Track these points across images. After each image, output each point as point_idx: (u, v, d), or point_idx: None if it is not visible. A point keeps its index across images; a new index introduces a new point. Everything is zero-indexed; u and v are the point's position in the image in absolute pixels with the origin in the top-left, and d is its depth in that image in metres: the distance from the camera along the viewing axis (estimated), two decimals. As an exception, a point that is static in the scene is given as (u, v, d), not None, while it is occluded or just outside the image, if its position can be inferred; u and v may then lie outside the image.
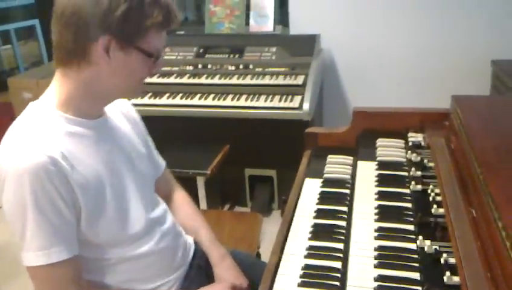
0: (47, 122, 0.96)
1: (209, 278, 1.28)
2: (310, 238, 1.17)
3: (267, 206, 2.81)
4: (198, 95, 2.52)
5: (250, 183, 2.88)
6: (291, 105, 2.40)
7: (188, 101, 2.49)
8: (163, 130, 2.28)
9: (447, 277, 0.93)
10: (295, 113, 2.38)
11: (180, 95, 2.54)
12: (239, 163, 2.76)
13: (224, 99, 2.48)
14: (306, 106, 2.37)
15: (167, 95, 2.55)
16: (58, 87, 0.98)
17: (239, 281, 1.23)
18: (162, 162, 1.34)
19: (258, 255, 1.85)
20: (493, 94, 2.56)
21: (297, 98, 2.43)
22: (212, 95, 2.51)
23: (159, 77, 2.64)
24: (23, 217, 0.92)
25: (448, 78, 2.77)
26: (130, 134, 1.16)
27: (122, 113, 1.18)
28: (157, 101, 2.52)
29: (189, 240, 1.33)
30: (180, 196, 1.39)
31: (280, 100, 2.43)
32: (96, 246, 1.04)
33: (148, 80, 2.77)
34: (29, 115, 0.98)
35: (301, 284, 1.01)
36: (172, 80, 2.61)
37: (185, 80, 2.61)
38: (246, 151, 2.65)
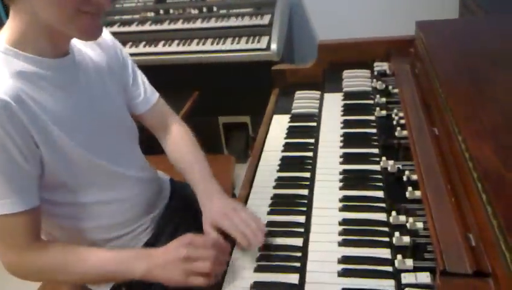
0: None
1: (185, 220, 1.26)
2: (278, 170, 1.18)
3: (243, 153, 2.81)
4: (162, 42, 2.44)
5: (224, 132, 2.86)
6: (258, 46, 2.34)
7: (152, 49, 2.41)
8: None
9: (409, 192, 0.94)
10: (263, 54, 2.32)
11: (143, 43, 2.45)
12: (212, 112, 2.72)
13: (189, 44, 2.40)
14: (274, 46, 2.32)
15: (129, 44, 2.45)
16: (10, 25, 0.92)
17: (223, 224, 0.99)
18: (151, 95, 1.25)
19: (234, 196, 1.86)
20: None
21: (265, 39, 2.37)
22: (176, 41, 2.43)
23: (119, 26, 2.54)
24: None
25: (416, 6, 2.73)
26: (103, 73, 1.08)
27: (98, 45, 1.09)
28: (119, 50, 2.43)
29: (166, 181, 1.31)
30: (177, 130, 1.27)
31: (247, 42, 2.37)
32: (69, 191, 1.00)
33: (108, 29, 2.67)
34: None
35: (270, 213, 1.02)
36: (133, 28, 2.51)
37: (146, 27, 2.51)
38: (218, 99, 2.61)
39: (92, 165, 1.01)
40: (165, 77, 2.48)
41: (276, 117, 1.47)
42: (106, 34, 1.14)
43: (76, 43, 1.04)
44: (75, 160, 0.98)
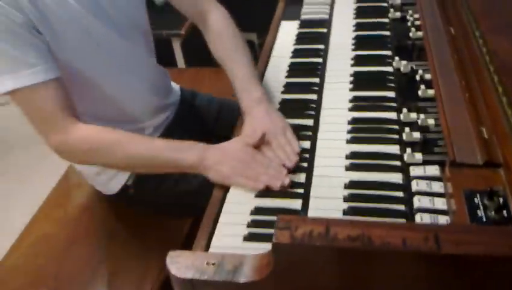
0: None
1: (193, 126, 1.25)
2: (286, 76, 1.14)
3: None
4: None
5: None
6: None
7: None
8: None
9: (421, 90, 0.91)
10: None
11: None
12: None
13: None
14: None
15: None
16: None
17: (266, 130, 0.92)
18: None
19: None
20: None
21: None
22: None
23: None
24: None
25: None
26: None
27: None
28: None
29: (176, 87, 1.30)
30: (216, 19, 1.14)
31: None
32: (74, 80, 0.97)
33: None
34: None
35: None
36: None
37: None
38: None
39: (96, 73, 0.99)
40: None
41: (284, 23, 1.40)
42: None
43: None
44: (78, 60, 0.95)
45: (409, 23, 1.14)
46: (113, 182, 1.14)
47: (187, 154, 0.90)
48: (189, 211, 1.18)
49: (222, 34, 1.13)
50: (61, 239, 1.16)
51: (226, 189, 0.85)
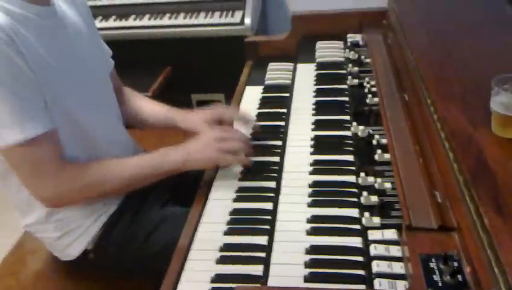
0: None
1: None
2: (250, 139, 1.16)
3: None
4: (133, 16, 2.38)
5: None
6: (232, 20, 2.31)
7: (122, 23, 2.35)
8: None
9: (378, 154, 0.95)
10: (237, 29, 2.30)
11: (113, 17, 2.39)
12: (185, 88, 2.68)
13: (161, 18, 2.35)
14: (247, 20, 2.29)
15: (99, 18, 2.39)
16: None
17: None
18: (111, 59, 1.25)
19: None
20: None
21: (239, 13, 2.34)
22: (147, 15, 2.38)
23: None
24: None
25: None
26: (81, 27, 1.07)
27: (73, 2, 1.08)
28: (89, 24, 2.37)
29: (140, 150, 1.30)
30: (129, 89, 1.34)
31: (220, 16, 2.34)
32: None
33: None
34: None
35: (241, 179, 1.01)
36: (103, 1, 2.44)
37: (117, 0, 2.44)
38: (191, 75, 2.57)
39: (70, 114, 0.99)
40: (137, 52, 2.44)
41: (249, 88, 1.45)
42: None
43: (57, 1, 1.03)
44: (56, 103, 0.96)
45: (366, 90, 1.20)
46: (72, 247, 1.10)
47: (171, 156, 1.01)
48: (151, 274, 1.15)
49: (135, 96, 1.32)
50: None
51: (184, 257, 0.84)
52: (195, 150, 1.01)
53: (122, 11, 2.39)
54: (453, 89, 0.95)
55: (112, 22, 2.36)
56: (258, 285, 0.74)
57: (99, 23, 2.35)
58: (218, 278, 0.78)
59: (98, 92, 1.10)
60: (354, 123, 1.06)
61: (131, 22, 2.35)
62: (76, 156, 1.01)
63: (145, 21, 2.34)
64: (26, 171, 0.93)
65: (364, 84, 1.23)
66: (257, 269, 0.77)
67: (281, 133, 1.14)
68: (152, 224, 1.10)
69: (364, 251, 0.76)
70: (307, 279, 0.72)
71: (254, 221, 0.88)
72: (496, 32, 1.19)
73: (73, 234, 1.08)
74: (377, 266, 0.72)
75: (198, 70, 2.59)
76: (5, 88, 0.85)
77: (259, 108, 1.30)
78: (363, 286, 0.69)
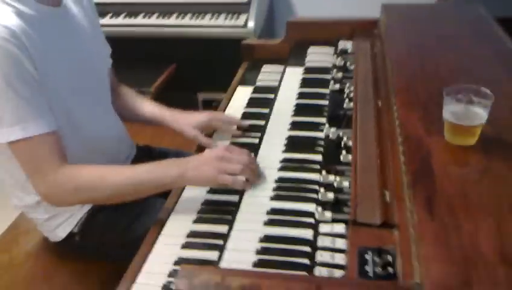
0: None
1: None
2: (232, 136, 1.23)
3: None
4: (142, 14, 2.47)
5: (204, 108, 2.89)
6: (236, 23, 2.38)
7: (131, 21, 2.44)
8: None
9: (343, 155, 1.00)
10: (240, 32, 2.36)
11: (123, 14, 2.48)
12: (191, 88, 2.76)
13: (168, 18, 2.43)
14: (251, 23, 2.36)
15: (110, 15, 2.48)
16: None
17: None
18: (109, 58, 1.33)
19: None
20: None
21: (243, 16, 2.41)
22: (156, 14, 2.46)
23: (102, -4, 2.56)
24: None
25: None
26: (86, 27, 1.15)
27: (80, 2, 1.16)
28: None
29: (132, 145, 1.39)
30: (124, 86, 1.40)
31: (226, 18, 2.41)
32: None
33: None
34: None
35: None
36: (115, -1, 2.54)
37: (128, -2, 2.54)
38: (195, 74, 2.64)
39: (71, 113, 1.06)
40: (143, 49, 2.53)
41: (240, 88, 1.52)
42: None
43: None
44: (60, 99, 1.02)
45: (345, 95, 1.25)
46: (60, 229, 1.17)
47: (167, 170, 0.98)
48: (131, 259, 1.21)
49: (130, 93, 1.40)
50: (2, 285, 1.17)
51: (154, 241, 0.91)
52: (194, 166, 0.97)
53: (132, 9, 2.48)
54: (418, 98, 0.99)
55: (121, 20, 2.45)
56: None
57: (109, 20, 2.45)
58: (180, 260, 0.84)
59: (98, 91, 1.18)
60: (326, 125, 1.12)
61: (139, 20, 2.44)
62: (75, 154, 1.06)
63: (153, 20, 2.43)
64: (26, 166, 0.99)
65: (345, 89, 1.29)
66: (213, 255, 0.83)
67: (259, 131, 1.20)
68: (134, 213, 1.16)
69: (312, 242, 0.81)
70: (255, 264, 0.78)
71: (220, 212, 0.94)
72: (474, 46, 1.23)
73: (61, 217, 1.15)
74: (320, 256, 0.77)
75: (203, 69, 2.67)
76: (12, 89, 0.91)
77: (246, 107, 1.36)
78: (304, 273, 0.75)
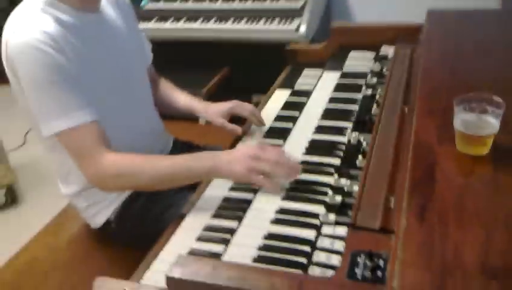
0: (40, 8, 1.04)
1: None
2: (263, 136, 1.27)
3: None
4: (201, 19, 2.57)
5: (259, 110, 2.95)
6: (289, 28, 2.41)
7: (191, 25, 2.56)
8: (166, 53, 2.40)
9: (359, 160, 1.00)
10: (293, 36, 2.39)
11: (184, 19, 2.60)
12: (245, 90, 2.82)
13: (225, 22, 2.52)
14: (303, 28, 2.38)
15: (171, 19, 2.62)
16: None
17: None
18: (150, 53, 1.42)
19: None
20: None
21: (297, 21, 2.44)
22: (213, 19, 2.56)
23: (165, 2, 2.71)
24: (38, 89, 1.01)
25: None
26: (123, 29, 1.24)
27: (117, 5, 1.25)
28: (161, 25, 2.60)
29: (170, 138, 1.47)
30: (163, 80, 1.49)
31: (279, 23, 2.46)
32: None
33: (153, 5, 2.82)
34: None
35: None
36: (177, 4, 2.67)
37: (189, 4, 2.66)
38: (252, 78, 2.71)
39: (109, 112, 1.13)
40: (199, 53, 2.64)
41: (278, 92, 1.55)
42: None
43: (103, 3, 1.19)
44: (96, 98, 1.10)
45: (375, 100, 1.25)
46: (98, 216, 1.28)
47: (202, 162, 1.03)
48: None
49: (167, 85, 1.48)
50: (46, 265, 1.30)
51: (172, 233, 0.97)
52: (225, 160, 1.01)
53: (192, 15, 2.60)
54: (440, 106, 0.98)
55: (181, 24, 2.58)
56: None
57: (170, 24, 2.59)
58: (192, 251, 0.90)
59: (135, 90, 1.27)
60: (349, 130, 1.13)
61: (198, 24, 2.55)
62: (115, 145, 1.13)
63: (210, 24, 2.53)
64: (73, 154, 1.08)
65: (377, 95, 1.28)
66: (220, 248, 0.87)
67: (286, 134, 1.23)
68: (165, 205, 1.24)
69: (313, 243, 0.83)
70: (254, 260, 0.82)
71: (234, 208, 0.98)
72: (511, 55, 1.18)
73: (99, 205, 1.26)
74: (316, 257, 0.79)
75: (256, 72, 2.73)
76: (55, 85, 1.01)
77: (280, 110, 1.40)
78: (300, 271, 0.77)
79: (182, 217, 1.02)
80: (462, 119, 0.81)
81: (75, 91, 1.04)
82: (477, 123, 0.80)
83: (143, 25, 2.59)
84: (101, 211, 1.27)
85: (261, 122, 1.30)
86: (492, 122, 0.80)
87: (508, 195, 0.71)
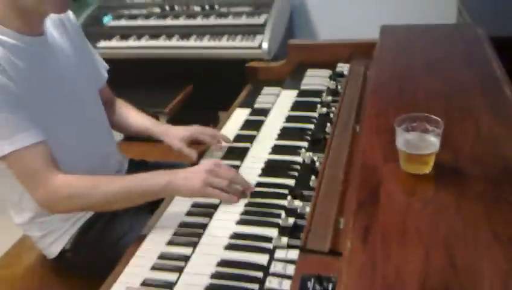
0: None
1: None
2: (221, 158, 1.27)
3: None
4: (163, 36, 2.57)
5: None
6: (251, 44, 2.44)
7: (153, 43, 2.55)
8: (128, 72, 2.38)
9: (312, 180, 1.02)
10: (255, 53, 2.42)
11: (146, 37, 2.60)
12: (211, 107, 2.83)
13: (187, 39, 2.53)
14: (265, 45, 2.40)
15: (133, 37, 2.61)
16: None
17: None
18: (104, 74, 1.39)
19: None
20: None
21: (259, 38, 2.46)
22: (176, 36, 2.56)
23: (127, 19, 2.70)
24: None
25: (417, 8, 2.72)
26: (69, 51, 1.22)
27: (62, 23, 1.23)
28: (123, 43, 2.59)
29: (125, 160, 1.46)
30: (120, 100, 1.46)
31: (242, 40, 2.48)
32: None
33: (116, 22, 2.80)
34: None
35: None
36: (139, 22, 2.67)
37: (151, 21, 2.66)
38: (216, 94, 2.71)
39: (56, 136, 1.11)
40: (163, 71, 2.63)
41: (238, 110, 1.56)
42: (70, 13, 1.27)
43: (48, 26, 1.17)
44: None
45: (330, 119, 1.27)
46: (54, 246, 1.24)
47: (157, 179, 1.04)
48: None
49: (126, 107, 1.45)
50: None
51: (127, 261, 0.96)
52: (183, 176, 1.03)
53: (154, 32, 2.60)
54: (387, 125, 1.00)
55: (143, 42, 2.57)
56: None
57: (132, 42, 2.58)
58: (146, 281, 0.89)
59: (85, 112, 1.24)
60: (303, 149, 1.14)
61: (161, 42, 2.54)
62: (68, 168, 1.10)
63: (173, 42, 2.53)
64: (21, 177, 1.06)
65: (331, 113, 1.31)
66: (173, 277, 0.87)
67: (243, 154, 1.24)
68: (122, 230, 1.22)
69: (265, 268, 0.84)
70: (206, 288, 0.82)
71: (189, 234, 0.98)
72: (459, 71, 1.22)
73: (54, 234, 1.23)
74: (269, 283, 0.79)
75: (221, 89, 2.73)
76: (3, 104, 0.99)
77: (240, 129, 1.40)
78: (250, 299, 0.77)
79: (140, 240, 1.01)
80: (404, 138, 0.84)
81: (19, 112, 1.01)
82: (418, 143, 0.83)
83: (105, 43, 2.58)
84: (56, 240, 1.24)
85: (220, 147, 1.30)
86: (432, 141, 0.82)
87: (448, 213, 0.73)
